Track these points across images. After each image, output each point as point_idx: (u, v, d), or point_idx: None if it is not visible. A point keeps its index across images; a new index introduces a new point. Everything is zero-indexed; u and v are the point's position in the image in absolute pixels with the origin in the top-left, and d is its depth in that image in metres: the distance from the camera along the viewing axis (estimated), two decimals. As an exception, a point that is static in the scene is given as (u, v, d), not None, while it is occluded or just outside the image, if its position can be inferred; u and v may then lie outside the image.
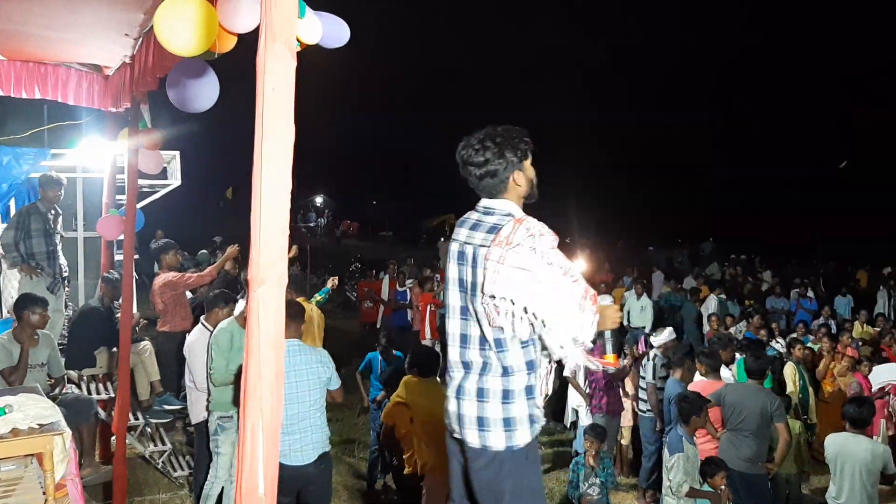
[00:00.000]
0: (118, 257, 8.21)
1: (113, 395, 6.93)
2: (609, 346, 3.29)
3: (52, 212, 7.43)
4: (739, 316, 13.11)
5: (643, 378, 8.10)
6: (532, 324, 2.80)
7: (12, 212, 8.48)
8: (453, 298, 3.07)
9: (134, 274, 7.49)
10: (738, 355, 8.47)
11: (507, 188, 3.01)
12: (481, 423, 2.97)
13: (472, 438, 2.98)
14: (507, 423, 2.94)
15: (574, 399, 8.74)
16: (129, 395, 6.46)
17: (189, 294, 8.37)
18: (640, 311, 13.57)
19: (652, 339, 8.67)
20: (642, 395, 8.07)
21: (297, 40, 2.35)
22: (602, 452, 6.39)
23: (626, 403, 8.36)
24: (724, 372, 7.59)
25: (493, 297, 2.78)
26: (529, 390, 2.97)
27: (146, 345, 7.72)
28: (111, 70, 6.44)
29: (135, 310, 6.64)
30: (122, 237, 6.81)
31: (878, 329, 12.88)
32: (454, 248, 3.07)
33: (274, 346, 1.90)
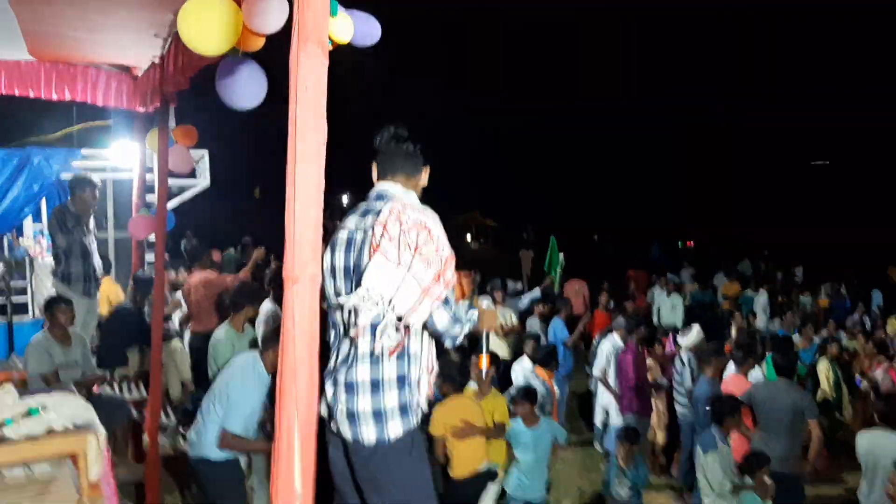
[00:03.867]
0: (149, 257, 8.28)
1: (145, 394, 6.98)
2: (484, 347, 3.34)
3: (85, 212, 7.50)
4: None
5: (680, 383, 8.00)
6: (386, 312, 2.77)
7: (43, 211, 8.59)
8: (338, 286, 3.08)
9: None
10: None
11: (416, 174, 3.17)
12: (352, 417, 2.94)
13: (346, 432, 2.96)
14: (377, 415, 2.92)
15: (603, 398, 8.69)
16: (161, 394, 6.50)
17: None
18: (671, 308, 13.44)
19: (679, 339, 8.59)
20: (680, 398, 7.98)
21: (330, 39, 2.34)
22: (634, 454, 6.33)
23: (655, 403, 8.29)
24: (755, 370, 7.52)
25: (367, 288, 2.77)
26: (401, 380, 2.94)
27: (177, 344, 7.79)
28: (140, 70, 6.48)
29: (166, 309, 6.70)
30: (152, 237, 6.86)
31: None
32: (343, 235, 3.12)
33: (308, 344, 1.91)
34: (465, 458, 5.67)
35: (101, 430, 3.76)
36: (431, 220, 2.87)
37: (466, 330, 2.94)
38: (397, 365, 2.93)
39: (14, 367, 6.94)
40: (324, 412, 3.06)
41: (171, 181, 8.05)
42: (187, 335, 8.16)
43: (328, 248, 3.10)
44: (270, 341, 4.84)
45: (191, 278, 8.08)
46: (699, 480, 5.85)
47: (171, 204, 8.77)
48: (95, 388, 6.33)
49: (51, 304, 6.07)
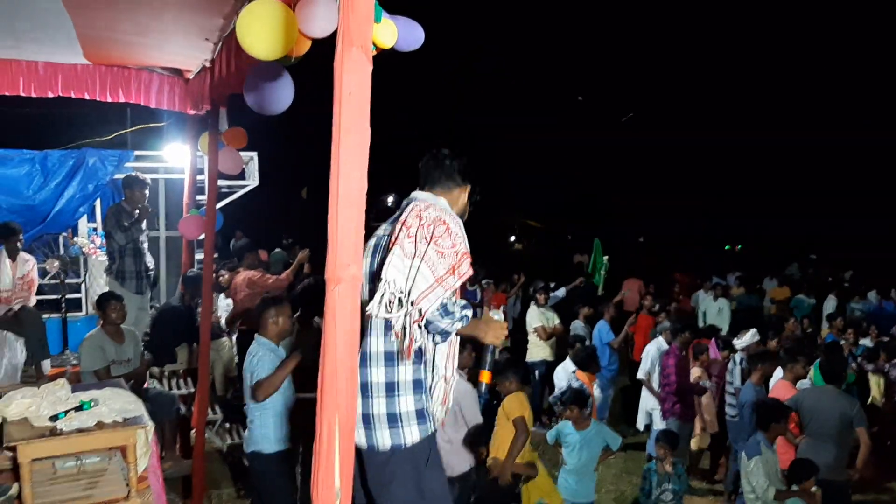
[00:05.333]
0: (198, 256, 8.43)
1: (193, 390, 7.11)
2: (487, 361, 3.21)
3: (138, 210, 7.66)
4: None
5: (731, 384, 7.92)
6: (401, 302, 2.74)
7: (97, 212, 8.78)
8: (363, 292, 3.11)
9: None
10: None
11: (448, 190, 3.20)
12: (366, 420, 2.92)
13: (360, 438, 2.91)
14: (392, 418, 2.90)
15: (648, 402, 8.64)
16: (209, 390, 6.62)
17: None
18: (718, 312, 13.27)
19: (735, 342, 8.50)
20: (731, 399, 7.88)
21: (374, 44, 2.38)
22: (675, 459, 6.28)
23: (699, 407, 8.19)
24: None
25: (387, 282, 2.75)
26: (418, 384, 2.93)
27: (225, 341, 7.92)
28: (192, 74, 6.60)
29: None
30: (202, 237, 6.99)
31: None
32: (371, 242, 3.14)
33: (349, 345, 1.94)
34: None
35: (150, 425, 3.85)
36: (451, 218, 2.90)
37: (457, 326, 2.85)
38: (413, 368, 2.93)
39: (68, 362, 7.15)
40: None
41: (221, 182, 8.17)
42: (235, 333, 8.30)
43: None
44: (264, 312, 5.02)
45: (236, 278, 8.22)
46: (743, 486, 5.79)
47: (220, 204, 8.91)
48: (146, 381, 6.45)
49: (102, 301, 6.21)
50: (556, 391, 7.42)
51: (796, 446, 6.35)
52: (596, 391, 7.63)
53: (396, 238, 2.81)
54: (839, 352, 9.11)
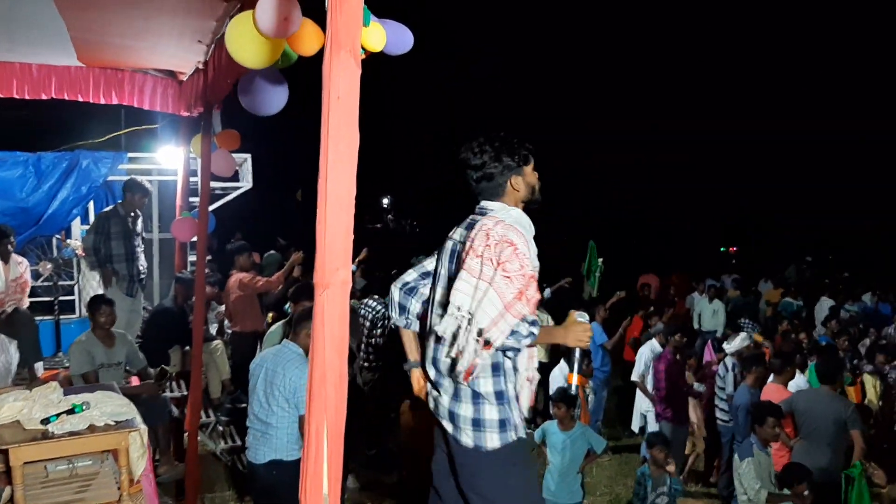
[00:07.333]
0: (191, 258, 8.41)
1: (185, 393, 7.09)
2: (575, 365, 3.23)
3: (132, 214, 7.65)
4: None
5: (722, 389, 7.90)
6: (467, 329, 2.78)
7: (91, 214, 8.77)
8: (437, 294, 3.15)
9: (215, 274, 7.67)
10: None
11: (504, 192, 3.07)
12: (453, 417, 3.04)
13: (448, 426, 3.07)
14: (476, 423, 2.98)
15: (642, 404, 8.64)
16: (202, 393, 6.60)
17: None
18: (713, 314, 13.27)
19: (726, 345, 8.49)
20: (721, 404, 7.87)
21: (363, 48, 2.38)
22: (668, 461, 6.28)
23: (692, 411, 8.19)
24: (798, 378, 7.40)
25: (457, 307, 2.82)
26: (500, 395, 2.96)
27: (218, 344, 7.91)
28: (185, 75, 6.60)
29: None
30: (195, 239, 6.98)
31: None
32: (448, 246, 3.16)
33: (338, 349, 1.92)
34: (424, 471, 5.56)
35: (143, 427, 3.85)
36: (518, 236, 2.85)
37: (526, 343, 2.86)
38: (493, 381, 2.97)
39: (61, 364, 7.14)
40: (431, 405, 3.17)
41: (214, 184, 8.17)
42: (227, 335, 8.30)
43: (439, 256, 3.23)
44: (303, 321, 4.67)
45: (229, 280, 8.22)
46: (736, 488, 5.79)
47: (213, 206, 8.90)
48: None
49: (92, 305, 6.20)
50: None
51: (791, 448, 6.35)
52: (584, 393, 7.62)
53: (465, 260, 2.84)
54: (835, 353, 9.11)
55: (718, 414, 7.87)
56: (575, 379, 3.30)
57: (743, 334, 8.48)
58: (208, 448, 7.32)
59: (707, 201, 34.73)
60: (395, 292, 3.37)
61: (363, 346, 7.60)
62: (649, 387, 8.30)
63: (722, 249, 30.95)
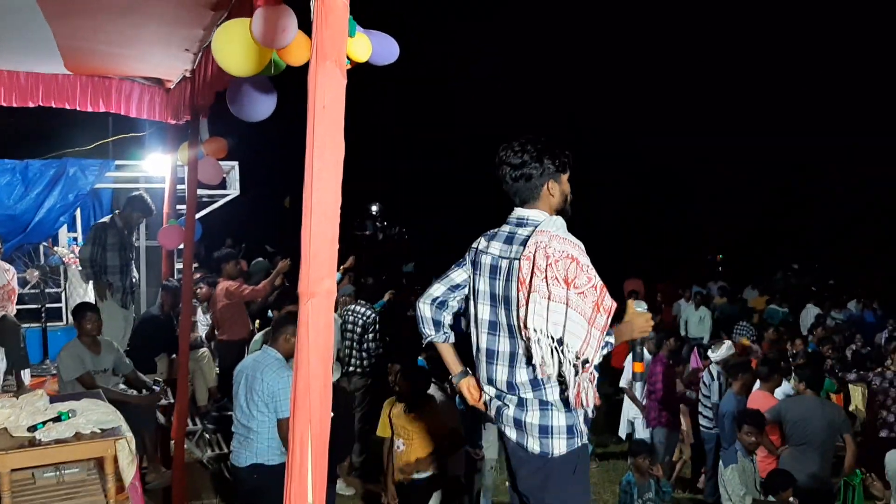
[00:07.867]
0: (178, 266, 8.40)
1: (172, 400, 7.08)
2: (637, 353, 3.35)
3: (128, 228, 7.65)
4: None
5: (707, 397, 7.91)
6: (562, 356, 2.79)
7: (78, 222, 8.75)
8: (483, 312, 3.09)
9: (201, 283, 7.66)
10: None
11: (539, 196, 3.03)
12: (519, 424, 3.04)
13: (511, 434, 3.08)
14: (544, 430, 2.99)
15: (630, 411, 8.65)
16: (188, 401, 6.59)
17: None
18: (699, 321, 13.34)
19: (710, 353, 8.50)
20: (705, 412, 7.89)
21: (348, 58, 2.40)
22: (653, 468, 6.29)
23: (682, 419, 8.22)
24: (785, 385, 7.44)
25: (535, 330, 2.79)
26: (567, 402, 2.96)
27: (204, 352, 7.90)
28: (172, 83, 6.61)
29: (193, 317, 6.79)
30: (182, 246, 6.98)
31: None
32: (486, 260, 3.08)
33: (323, 358, 1.93)
34: (408, 464, 5.54)
35: (129, 435, 3.86)
36: (575, 248, 2.84)
37: (605, 352, 2.91)
38: (560, 388, 2.96)
39: (48, 371, 7.12)
40: (492, 413, 3.16)
41: (201, 191, 8.16)
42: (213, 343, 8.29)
43: (473, 269, 3.16)
44: (283, 326, 4.73)
45: (217, 288, 8.22)
46: (721, 494, 5.82)
47: (201, 214, 8.90)
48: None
49: (77, 312, 6.17)
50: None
51: (778, 457, 6.37)
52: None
53: (526, 279, 2.79)
54: (821, 361, 9.16)
55: (702, 421, 7.89)
56: (639, 367, 3.45)
57: (728, 343, 8.47)
58: (195, 455, 7.30)
59: (695, 207, 34.90)
60: (426, 308, 3.28)
61: (354, 351, 7.60)
62: (638, 394, 8.31)
63: (708, 257, 30.96)
